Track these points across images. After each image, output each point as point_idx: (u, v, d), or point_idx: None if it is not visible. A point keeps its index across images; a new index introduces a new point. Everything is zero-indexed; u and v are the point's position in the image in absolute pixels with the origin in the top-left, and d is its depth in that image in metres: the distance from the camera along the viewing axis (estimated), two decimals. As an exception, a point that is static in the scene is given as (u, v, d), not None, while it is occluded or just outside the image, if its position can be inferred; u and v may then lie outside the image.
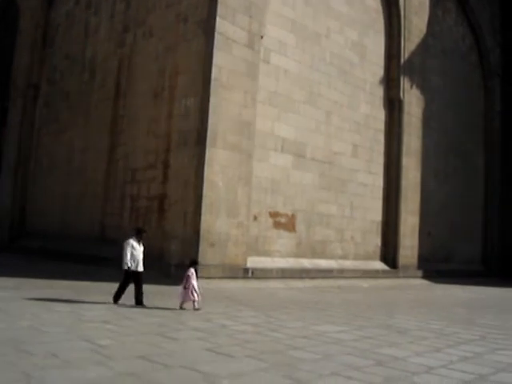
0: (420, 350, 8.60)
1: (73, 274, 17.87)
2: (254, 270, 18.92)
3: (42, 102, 29.35)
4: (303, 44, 22.27)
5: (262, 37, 19.89)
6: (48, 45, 29.74)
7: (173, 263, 17.65)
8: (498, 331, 11.26)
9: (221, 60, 18.22)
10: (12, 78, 31.32)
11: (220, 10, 18.29)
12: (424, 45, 28.69)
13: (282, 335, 9.16)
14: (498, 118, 35.94)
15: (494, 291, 24.27)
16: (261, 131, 20.04)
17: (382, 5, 26.68)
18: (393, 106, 26.71)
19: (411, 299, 19.16)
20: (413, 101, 27.34)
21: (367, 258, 25.07)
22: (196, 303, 11.37)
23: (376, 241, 25.75)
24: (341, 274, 22.75)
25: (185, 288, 11.38)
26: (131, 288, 11.69)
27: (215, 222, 17.74)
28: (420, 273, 27.16)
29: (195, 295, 11.32)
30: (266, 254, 20.25)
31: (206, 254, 17.11)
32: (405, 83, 26.76)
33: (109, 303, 11.67)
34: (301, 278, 20.77)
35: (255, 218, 19.82)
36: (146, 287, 11.84)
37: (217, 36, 18.14)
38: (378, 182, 25.95)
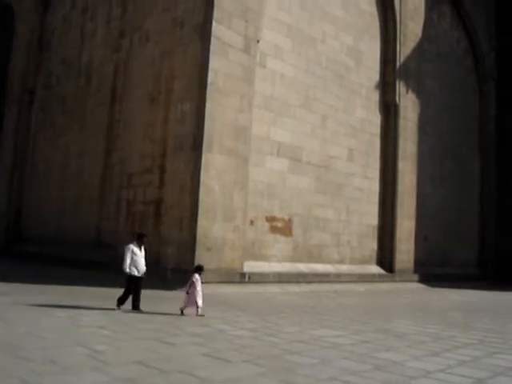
0: (418, 354, 8.60)
1: (69, 279, 17.82)
2: (250, 275, 18.90)
3: (38, 106, 29.29)
4: (299, 48, 22.31)
5: (258, 41, 19.92)
6: (44, 49, 29.70)
7: (169, 268, 17.63)
8: (495, 335, 11.27)
9: (217, 64, 18.23)
10: (8, 82, 31.27)
11: (216, 14, 18.32)
12: (419, 49, 28.78)
13: (279, 340, 9.14)
14: (493, 123, 36.06)
15: (489, 295, 24.30)
16: (257, 136, 20.05)
17: (378, 9, 26.76)
18: (388, 111, 26.77)
19: (408, 303, 19.17)
20: (408, 105, 27.41)
21: (363, 262, 25.08)
22: (199, 309, 11.33)
23: (372, 245, 25.76)
24: (337, 278, 22.74)
25: (187, 293, 11.33)
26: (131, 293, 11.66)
27: (212, 226, 17.72)
28: (416, 277, 27.18)
29: (199, 301, 11.28)
30: (263, 258, 20.24)
31: (202, 259, 17.04)
32: (400, 88, 26.82)
33: (105, 309, 11.64)
34: (297, 282, 20.76)
35: (252, 222, 19.81)
36: (142, 292, 11.82)
37: (213, 40, 18.15)
38: (373, 186, 25.99)
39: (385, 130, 26.62)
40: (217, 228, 17.84)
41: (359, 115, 25.25)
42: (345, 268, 23.66)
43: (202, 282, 11.58)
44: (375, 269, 25.51)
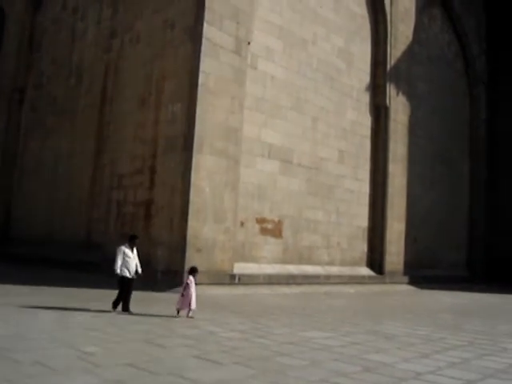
0: (408, 355, 8.62)
1: (58, 281, 17.74)
2: (240, 276, 18.88)
3: (29, 106, 29.19)
4: (290, 50, 22.34)
5: (249, 43, 19.91)
6: (35, 49, 29.60)
7: (159, 269, 17.59)
8: (485, 337, 11.31)
9: (208, 66, 18.21)
10: (-2, 82, 31.17)
11: (207, 16, 18.30)
12: (410, 52, 28.88)
13: (270, 342, 9.14)
14: (483, 126, 36.26)
15: (479, 296, 24.40)
16: (248, 137, 20.05)
17: (369, 12, 26.84)
18: (379, 113, 26.84)
19: (398, 305, 19.22)
20: (399, 107, 27.49)
21: (353, 263, 25.13)
22: (191, 312, 11.35)
23: (362, 247, 25.81)
24: (327, 279, 22.77)
25: (182, 295, 11.35)
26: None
27: (202, 227, 17.70)
28: (406, 278, 27.26)
29: (192, 303, 11.29)
30: (253, 260, 20.23)
31: (192, 260, 17.00)
32: (391, 90, 26.91)
33: (95, 310, 11.60)
34: (287, 284, 20.76)
35: (242, 224, 19.80)
36: (132, 293, 11.78)
37: (204, 42, 18.13)
38: (364, 188, 26.05)
39: (375, 132, 26.70)
40: (207, 229, 17.81)
41: (350, 117, 25.30)
42: (335, 270, 23.69)
43: (196, 284, 11.60)
44: (365, 270, 25.56)
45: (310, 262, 22.69)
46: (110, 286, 14.43)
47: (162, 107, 19.47)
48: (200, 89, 17.88)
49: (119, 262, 11.52)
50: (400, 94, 27.53)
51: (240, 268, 19.13)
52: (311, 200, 22.96)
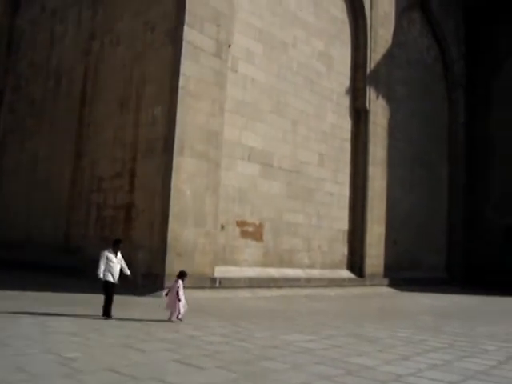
0: (389, 358, 8.64)
1: (37, 285, 17.53)
2: (221, 280, 18.83)
3: (7, 108, 28.93)
4: (270, 53, 22.36)
5: (229, 46, 19.90)
6: (13, 52, 29.33)
7: (140, 273, 17.46)
8: (465, 338, 11.39)
9: (188, 69, 18.15)
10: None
11: (188, 18, 18.24)
12: (389, 55, 29.06)
13: (251, 345, 9.11)
14: (461, 130, 36.54)
15: (458, 299, 24.59)
16: (228, 140, 20.01)
17: (349, 16, 26.96)
18: (359, 116, 26.96)
19: (378, 307, 19.30)
20: (378, 111, 27.63)
21: (334, 266, 25.18)
22: (181, 315, 11.37)
23: (343, 250, 25.89)
24: (308, 282, 22.79)
25: (166, 295, 11.47)
26: (101, 299, 11.49)
27: (182, 231, 17.62)
28: (386, 281, 27.38)
29: (181, 308, 11.30)
30: (234, 263, 20.19)
31: (173, 264, 16.94)
32: (371, 93, 27.03)
33: (75, 315, 11.48)
34: (268, 287, 20.75)
35: (222, 227, 19.76)
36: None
37: (184, 45, 18.08)
38: (344, 191, 26.13)
39: (355, 136, 26.81)
40: (188, 232, 17.74)
41: (330, 120, 25.38)
42: (315, 273, 23.72)
43: (184, 287, 11.57)
44: (346, 273, 25.63)
45: (290, 265, 22.70)
46: (90, 291, 14.34)
47: (142, 110, 19.38)
48: (180, 91, 17.82)
49: (102, 267, 11.41)
50: (380, 97, 27.68)
51: (221, 271, 19.07)
52: (292, 203, 22.98)
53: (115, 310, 11.58)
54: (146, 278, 17.21)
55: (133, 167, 19.38)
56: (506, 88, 36.42)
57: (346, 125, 26.49)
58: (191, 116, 18.08)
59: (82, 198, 22.15)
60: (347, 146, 26.45)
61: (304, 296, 20.79)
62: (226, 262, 19.75)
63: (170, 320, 11.31)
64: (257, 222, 21.28)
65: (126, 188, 19.67)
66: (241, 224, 20.61)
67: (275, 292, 20.54)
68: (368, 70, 27.02)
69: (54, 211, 23.63)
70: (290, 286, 21.69)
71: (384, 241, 27.53)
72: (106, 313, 11.36)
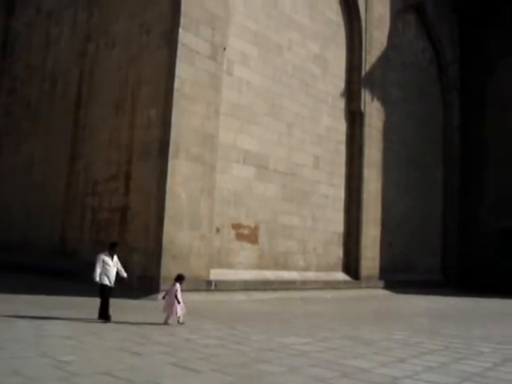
0: (385, 360, 8.65)
1: (32, 288, 17.48)
2: (216, 283, 18.81)
3: (3, 111, 28.88)
4: (265, 56, 22.37)
5: (224, 48, 19.91)
6: (8, 54, 29.30)
7: (135, 275, 17.42)
8: (461, 341, 11.41)
9: (183, 71, 18.15)
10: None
11: (183, 21, 18.25)
12: (384, 58, 29.11)
13: (247, 348, 9.11)
14: (456, 133, 36.58)
15: (453, 301, 24.64)
16: (223, 143, 20.01)
17: (344, 18, 27.01)
18: (354, 119, 26.99)
19: (374, 310, 19.31)
20: (373, 113, 27.68)
21: (329, 269, 25.19)
22: (181, 318, 11.37)
23: (338, 252, 25.90)
24: (303, 285, 22.80)
25: (164, 298, 11.48)
26: (97, 302, 11.47)
27: (178, 234, 17.60)
28: (382, 283, 27.40)
29: (179, 311, 11.30)
30: (229, 266, 20.17)
31: (168, 266, 16.93)
32: (366, 96, 27.08)
33: (71, 318, 11.45)
34: (264, 289, 20.74)
35: (218, 230, 19.74)
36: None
37: (180, 47, 18.07)
38: (339, 193, 26.15)
39: (350, 138, 26.83)
40: (183, 235, 17.73)
41: (325, 123, 25.40)
42: (311, 275, 23.73)
43: (182, 291, 11.56)
44: (341, 276, 25.64)
45: (286, 267, 22.70)
46: (86, 294, 14.30)
47: (137, 112, 19.36)
48: (176, 94, 17.81)
49: (98, 270, 11.37)
50: (375, 99, 27.73)
51: (216, 274, 19.06)
52: (287, 206, 22.99)
53: (111, 313, 11.55)
54: (141, 281, 17.18)
55: (128, 170, 19.35)
56: (500, 91, 36.46)
57: (341, 127, 26.52)
58: (186, 119, 18.07)
59: (76, 201, 22.10)
60: (342, 149, 26.47)
61: (299, 298, 20.79)
62: (221, 265, 19.73)
63: (166, 323, 11.30)
64: (252, 225, 21.27)
65: (121, 191, 19.64)
66: (236, 227, 20.60)
67: (271, 295, 20.53)
68: (363, 73, 27.07)
69: (49, 214, 23.58)
70: (286, 289, 21.70)
71: (379, 243, 27.56)
72: (104, 316, 11.31)
